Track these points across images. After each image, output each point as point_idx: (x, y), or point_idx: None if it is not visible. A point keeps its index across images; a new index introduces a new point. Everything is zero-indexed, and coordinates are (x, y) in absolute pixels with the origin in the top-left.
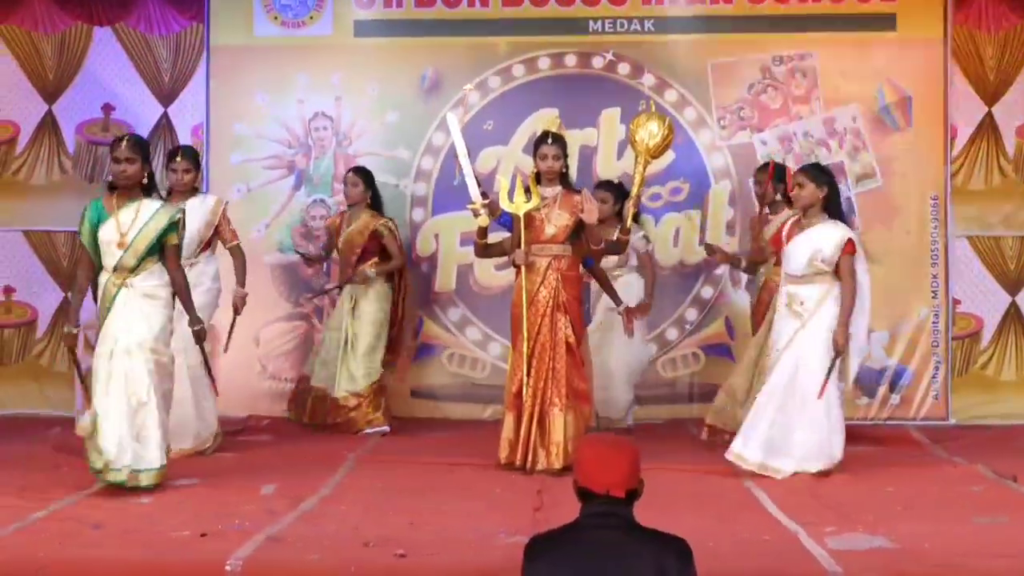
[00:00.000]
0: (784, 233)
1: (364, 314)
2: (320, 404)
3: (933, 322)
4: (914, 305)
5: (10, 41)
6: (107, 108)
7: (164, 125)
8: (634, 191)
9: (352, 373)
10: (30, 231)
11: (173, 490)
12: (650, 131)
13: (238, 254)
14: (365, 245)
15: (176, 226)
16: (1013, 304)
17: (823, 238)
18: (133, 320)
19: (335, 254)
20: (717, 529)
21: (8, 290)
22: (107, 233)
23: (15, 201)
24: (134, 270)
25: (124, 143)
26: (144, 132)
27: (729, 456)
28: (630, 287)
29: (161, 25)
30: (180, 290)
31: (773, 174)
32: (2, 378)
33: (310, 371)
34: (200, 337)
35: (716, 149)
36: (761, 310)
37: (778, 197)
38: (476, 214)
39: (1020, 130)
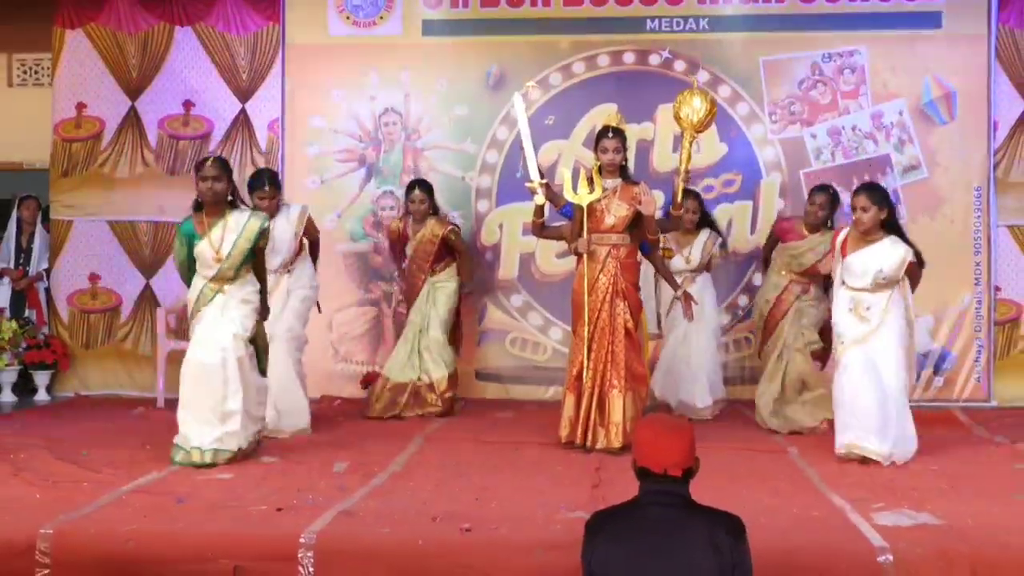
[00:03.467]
0: (838, 243)
1: (438, 308)
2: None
3: (976, 308)
4: (958, 292)
5: (96, 41)
6: (187, 104)
7: (242, 120)
8: (682, 167)
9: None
10: (114, 221)
11: (252, 466)
12: (693, 107)
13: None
14: (437, 250)
15: (266, 232)
16: None
17: (886, 257)
18: (229, 318)
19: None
20: (769, 505)
21: (94, 277)
22: (202, 251)
23: (101, 192)
24: (232, 279)
25: (209, 163)
26: (223, 127)
27: (842, 450)
28: (706, 289)
29: (239, 25)
30: (266, 289)
31: (830, 199)
32: (89, 360)
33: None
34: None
35: (767, 143)
36: (772, 324)
37: (828, 224)
38: (534, 192)
39: None
